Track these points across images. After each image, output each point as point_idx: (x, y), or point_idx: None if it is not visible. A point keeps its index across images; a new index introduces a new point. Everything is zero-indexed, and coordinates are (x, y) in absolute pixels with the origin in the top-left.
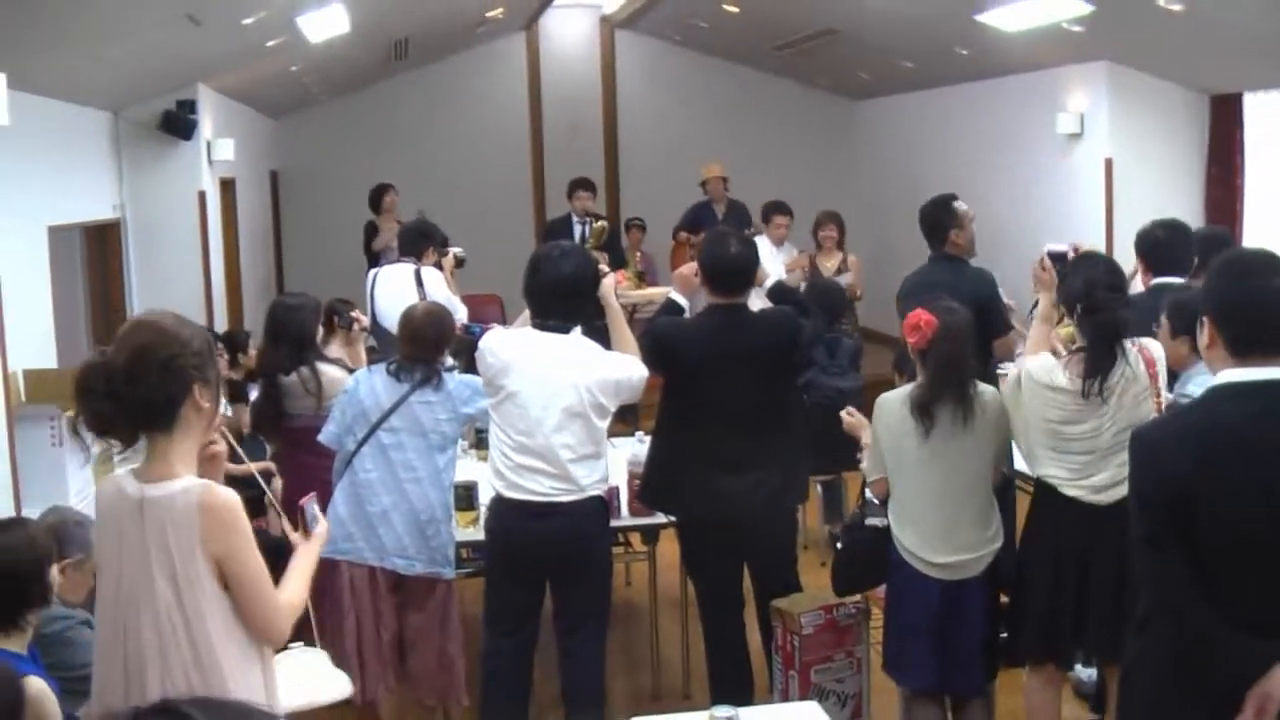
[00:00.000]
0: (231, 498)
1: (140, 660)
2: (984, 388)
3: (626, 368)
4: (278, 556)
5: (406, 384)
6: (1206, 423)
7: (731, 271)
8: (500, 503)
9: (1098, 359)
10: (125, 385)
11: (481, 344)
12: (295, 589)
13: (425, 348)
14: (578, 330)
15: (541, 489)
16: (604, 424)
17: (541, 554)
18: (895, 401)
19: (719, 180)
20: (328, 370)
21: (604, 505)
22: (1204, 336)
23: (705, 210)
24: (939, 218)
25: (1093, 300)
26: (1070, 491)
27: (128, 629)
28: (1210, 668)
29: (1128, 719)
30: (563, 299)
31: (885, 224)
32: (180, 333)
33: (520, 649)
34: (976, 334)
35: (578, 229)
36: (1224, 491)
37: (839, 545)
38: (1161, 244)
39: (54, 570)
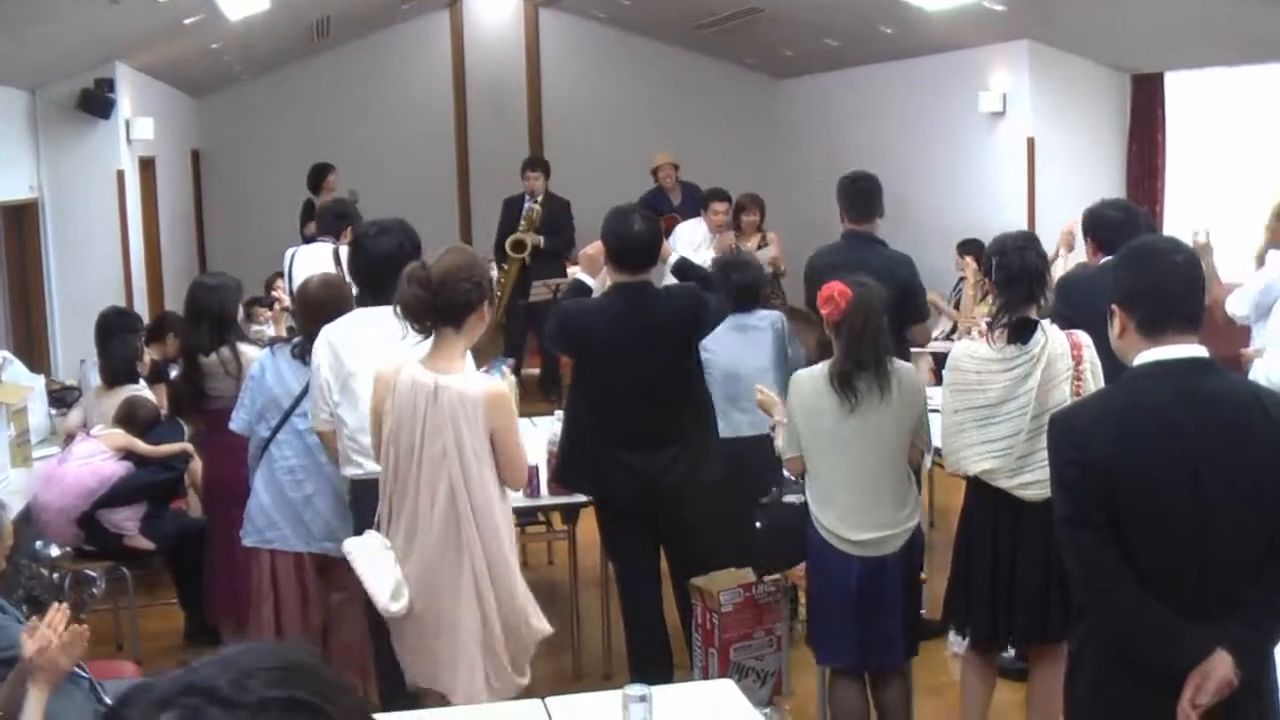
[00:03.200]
0: (504, 387)
1: (430, 498)
2: (899, 363)
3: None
4: (197, 539)
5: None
6: (1126, 403)
7: (635, 249)
8: (356, 484)
9: (1014, 301)
10: (437, 286)
11: (319, 338)
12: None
13: (325, 318)
14: None
15: None
16: None
17: None
18: (811, 378)
19: (670, 167)
20: (248, 351)
21: None
22: (1115, 326)
23: (659, 196)
24: (874, 190)
25: (1004, 250)
26: (1001, 483)
27: (419, 478)
28: (1144, 651)
29: (1076, 706)
30: (385, 275)
31: (808, 202)
32: (481, 262)
33: None
34: (893, 318)
35: (527, 207)
36: (1146, 471)
37: (757, 524)
38: (1115, 224)
39: None
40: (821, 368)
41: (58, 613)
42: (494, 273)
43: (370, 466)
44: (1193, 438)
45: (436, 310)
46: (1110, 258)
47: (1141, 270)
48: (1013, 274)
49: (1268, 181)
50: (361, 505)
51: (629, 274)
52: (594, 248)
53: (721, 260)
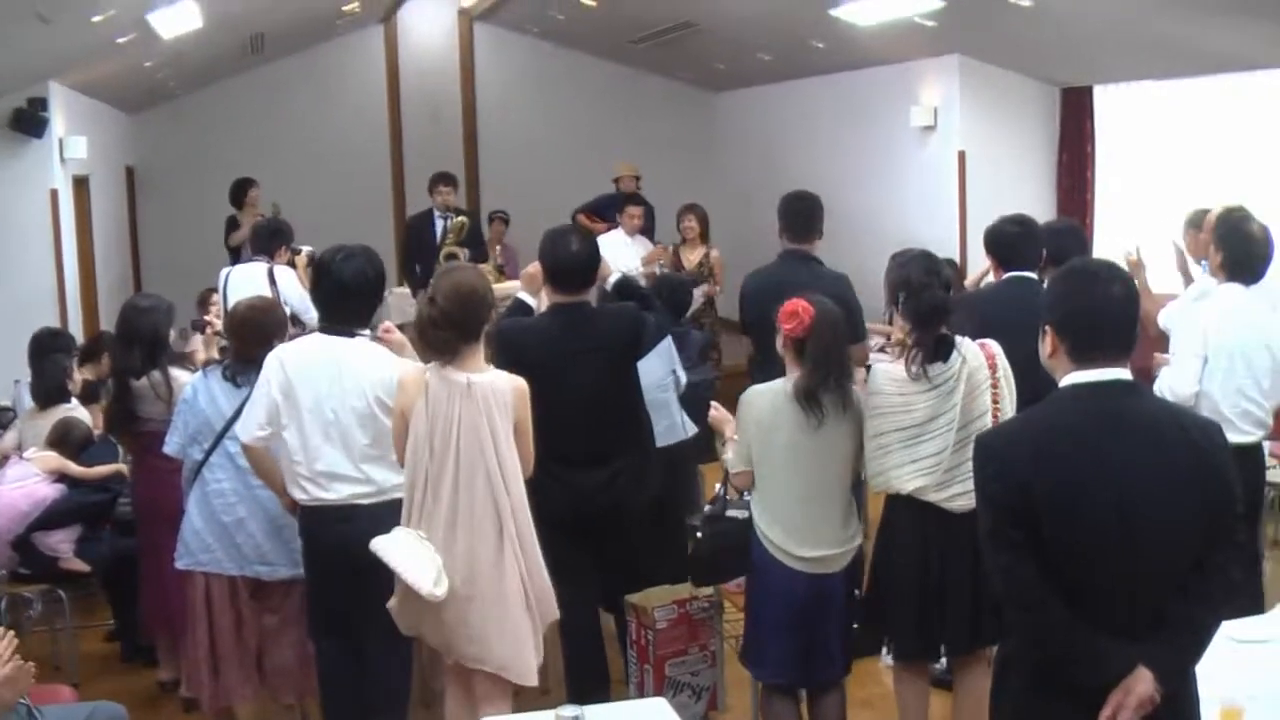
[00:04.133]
0: (524, 384)
1: (469, 486)
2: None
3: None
4: (132, 560)
5: (245, 388)
6: (1048, 423)
7: (573, 269)
8: (304, 510)
9: (924, 337)
10: (459, 320)
11: (271, 356)
12: None
13: (255, 341)
14: (365, 334)
15: (339, 495)
16: None
17: (345, 558)
18: (766, 394)
19: (631, 179)
20: (179, 375)
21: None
22: (1046, 345)
23: (610, 202)
24: (814, 210)
25: (909, 287)
26: (929, 497)
27: (457, 469)
28: (1068, 668)
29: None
30: (348, 301)
31: (745, 215)
32: (477, 276)
33: (344, 650)
34: None
35: (439, 224)
36: (1068, 491)
37: (699, 535)
38: (1012, 240)
39: None
40: (780, 384)
41: (3, 640)
42: (404, 289)
43: (315, 493)
44: (1115, 458)
45: (462, 338)
46: (1013, 274)
47: (1078, 297)
48: (922, 314)
49: (1194, 193)
50: (305, 530)
51: (566, 295)
52: (534, 267)
53: (659, 280)
